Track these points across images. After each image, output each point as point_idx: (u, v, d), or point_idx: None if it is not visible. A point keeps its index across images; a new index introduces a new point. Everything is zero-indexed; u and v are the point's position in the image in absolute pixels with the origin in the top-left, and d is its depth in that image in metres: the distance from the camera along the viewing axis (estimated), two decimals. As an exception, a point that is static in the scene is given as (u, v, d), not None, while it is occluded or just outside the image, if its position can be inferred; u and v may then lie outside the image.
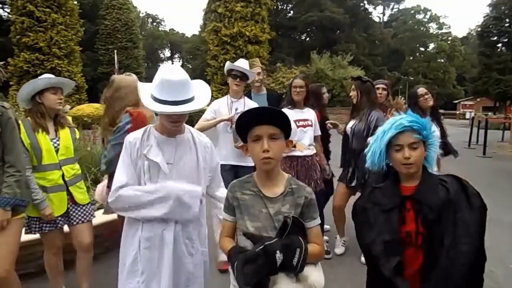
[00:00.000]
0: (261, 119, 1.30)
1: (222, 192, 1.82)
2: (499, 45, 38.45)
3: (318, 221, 1.40)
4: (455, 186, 1.40)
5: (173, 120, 1.59)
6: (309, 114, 3.41)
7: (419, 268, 1.37)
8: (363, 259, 3.36)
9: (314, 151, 3.42)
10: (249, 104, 3.28)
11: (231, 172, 3.09)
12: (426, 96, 3.33)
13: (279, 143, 1.32)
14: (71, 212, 2.50)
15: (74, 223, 2.51)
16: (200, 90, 1.66)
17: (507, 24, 36.95)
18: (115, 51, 26.86)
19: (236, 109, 3.21)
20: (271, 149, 1.29)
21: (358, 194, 3.45)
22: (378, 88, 3.61)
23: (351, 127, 3.39)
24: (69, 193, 2.46)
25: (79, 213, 2.53)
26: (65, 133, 2.49)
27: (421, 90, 3.38)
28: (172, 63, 65.13)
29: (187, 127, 1.77)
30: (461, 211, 1.34)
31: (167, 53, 68.91)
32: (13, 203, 2.02)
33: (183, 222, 1.66)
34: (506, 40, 37.17)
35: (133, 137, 1.67)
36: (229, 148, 3.16)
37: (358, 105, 3.39)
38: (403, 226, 1.41)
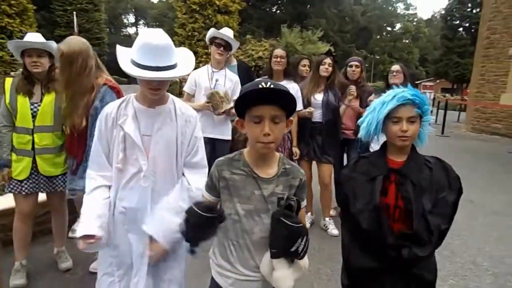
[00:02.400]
0: (264, 98, 1.15)
1: (195, 181, 1.57)
2: (461, 29, 40.04)
3: (305, 202, 1.38)
4: (439, 167, 1.46)
5: (153, 88, 1.48)
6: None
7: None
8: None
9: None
10: (230, 76, 3.16)
11: (208, 146, 3.02)
12: (395, 73, 3.53)
13: (281, 125, 1.19)
14: (41, 180, 2.43)
15: (43, 191, 2.50)
16: (184, 57, 1.57)
17: (469, 9, 38.44)
18: (74, 12, 24.99)
19: (217, 80, 3.07)
20: (273, 132, 1.16)
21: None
22: (351, 66, 3.65)
23: (323, 99, 3.35)
24: (35, 161, 2.38)
25: (46, 183, 2.46)
26: (48, 99, 2.36)
27: (394, 67, 3.61)
28: (137, 30, 61.96)
29: (172, 97, 1.67)
30: (443, 192, 1.41)
31: (131, 18, 65.34)
32: None
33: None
34: (467, 24, 38.71)
35: (111, 106, 1.58)
36: (206, 119, 2.96)
37: (329, 78, 3.38)
38: (385, 198, 1.44)
